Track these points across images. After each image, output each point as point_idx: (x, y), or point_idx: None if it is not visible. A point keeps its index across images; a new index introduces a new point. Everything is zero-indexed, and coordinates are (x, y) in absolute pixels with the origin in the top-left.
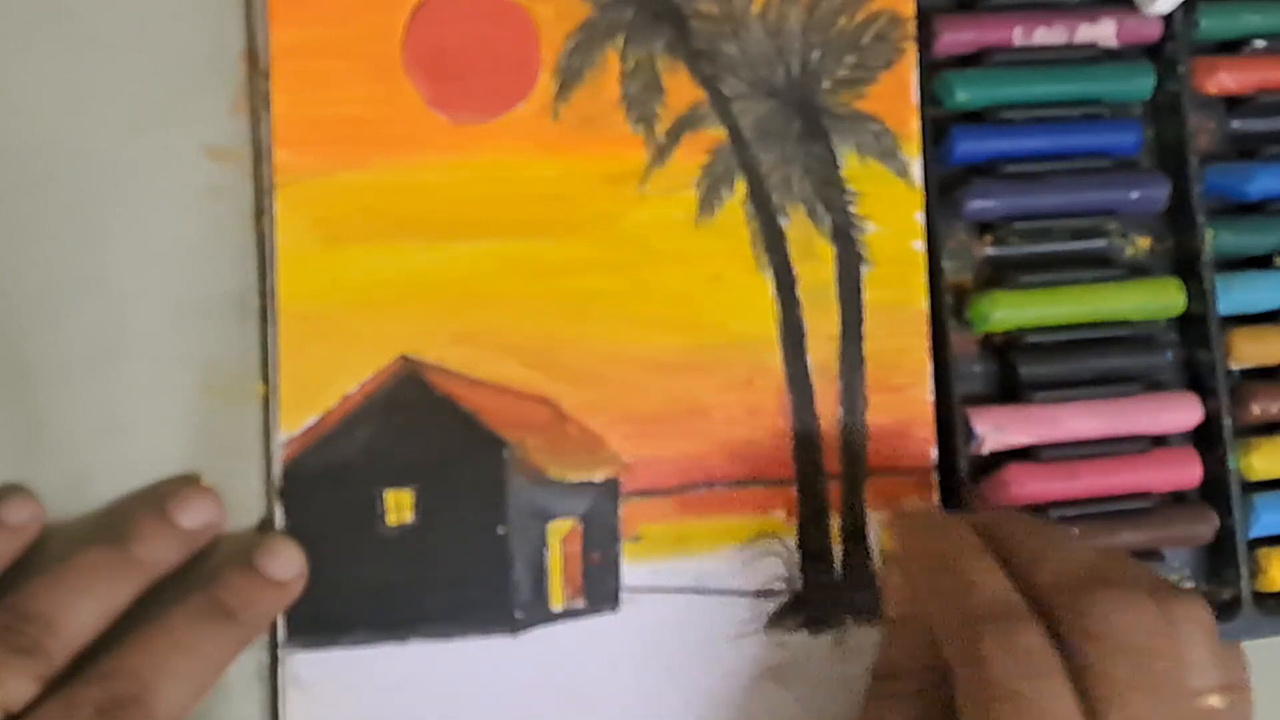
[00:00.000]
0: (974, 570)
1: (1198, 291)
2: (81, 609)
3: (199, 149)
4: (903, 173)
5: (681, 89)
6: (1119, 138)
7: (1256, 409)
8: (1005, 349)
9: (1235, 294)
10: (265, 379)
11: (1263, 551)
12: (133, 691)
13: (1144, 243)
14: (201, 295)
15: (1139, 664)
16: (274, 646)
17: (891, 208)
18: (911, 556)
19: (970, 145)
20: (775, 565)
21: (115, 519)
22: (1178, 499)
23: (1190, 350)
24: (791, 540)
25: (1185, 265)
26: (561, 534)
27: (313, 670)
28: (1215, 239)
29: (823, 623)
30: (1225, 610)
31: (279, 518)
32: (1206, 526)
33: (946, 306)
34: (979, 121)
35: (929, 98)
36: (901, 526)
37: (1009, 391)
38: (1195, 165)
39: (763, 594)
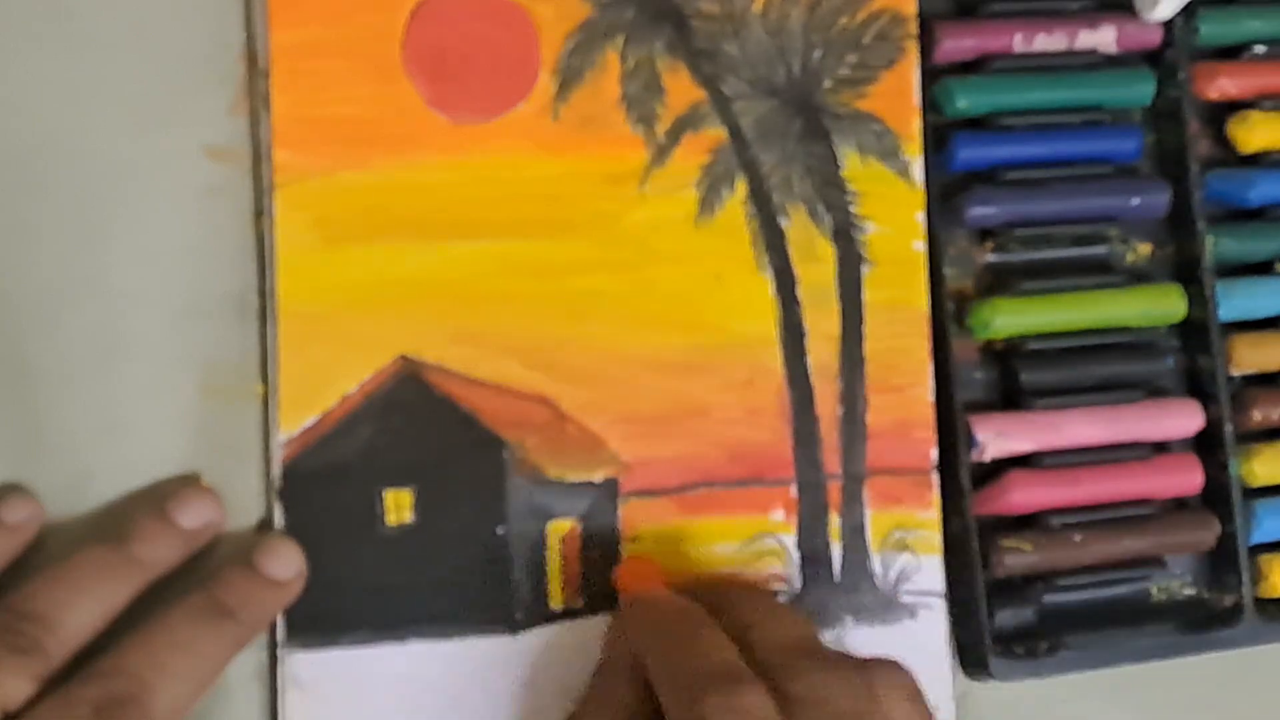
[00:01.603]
0: (700, 636)
1: (1199, 298)
2: (80, 608)
3: (199, 149)
4: (904, 173)
5: (682, 89)
6: (1120, 144)
7: (1258, 415)
8: (1006, 355)
9: (1236, 300)
10: (265, 379)
11: (1264, 558)
12: (131, 691)
13: (1145, 249)
14: (201, 295)
15: None
16: (273, 646)
17: (892, 208)
18: (641, 618)
19: (971, 152)
20: (775, 565)
21: (115, 519)
22: (1179, 505)
23: (1191, 357)
24: (791, 540)
25: (1186, 271)
26: (561, 534)
27: (312, 670)
28: (1216, 245)
29: (822, 623)
30: (1227, 617)
31: (278, 518)
32: (1208, 533)
33: (948, 313)
34: (980, 128)
35: (930, 104)
36: (634, 600)
37: (1010, 398)
38: (1196, 171)
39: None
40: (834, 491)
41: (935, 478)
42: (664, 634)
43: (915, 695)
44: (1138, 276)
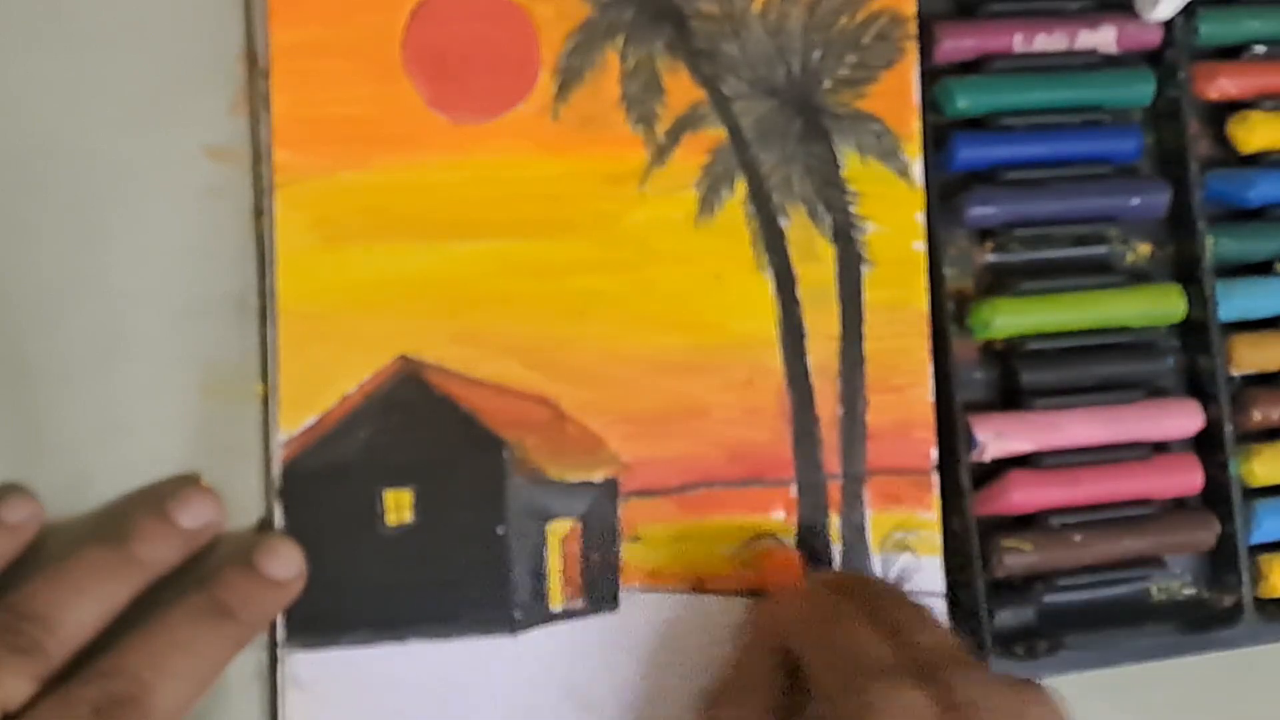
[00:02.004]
0: (860, 635)
1: (1199, 298)
2: (80, 608)
3: (199, 149)
4: (903, 173)
5: (681, 89)
6: (1119, 144)
7: (1258, 415)
8: (1006, 356)
9: (1236, 300)
10: (265, 379)
11: (1264, 557)
12: (131, 691)
13: (1145, 249)
14: (201, 295)
15: None
16: (273, 646)
17: (892, 208)
18: (797, 609)
19: (971, 152)
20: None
21: (115, 519)
22: (1179, 505)
23: (1191, 356)
24: (791, 540)
25: (1186, 271)
26: (561, 534)
27: (312, 670)
28: (1216, 245)
29: None
30: (1227, 617)
31: (278, 517)
32: (1208, 533)
33: (948, 313)
34: (980, 128)
35: (930, 104)
36: (789, 591)
37: (1010, 398)
38: (1196, 171)
39: (762, 594)
40: (834, 492)
41: (935, 478)
42: (823, 626)
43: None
44: (1138, 276)
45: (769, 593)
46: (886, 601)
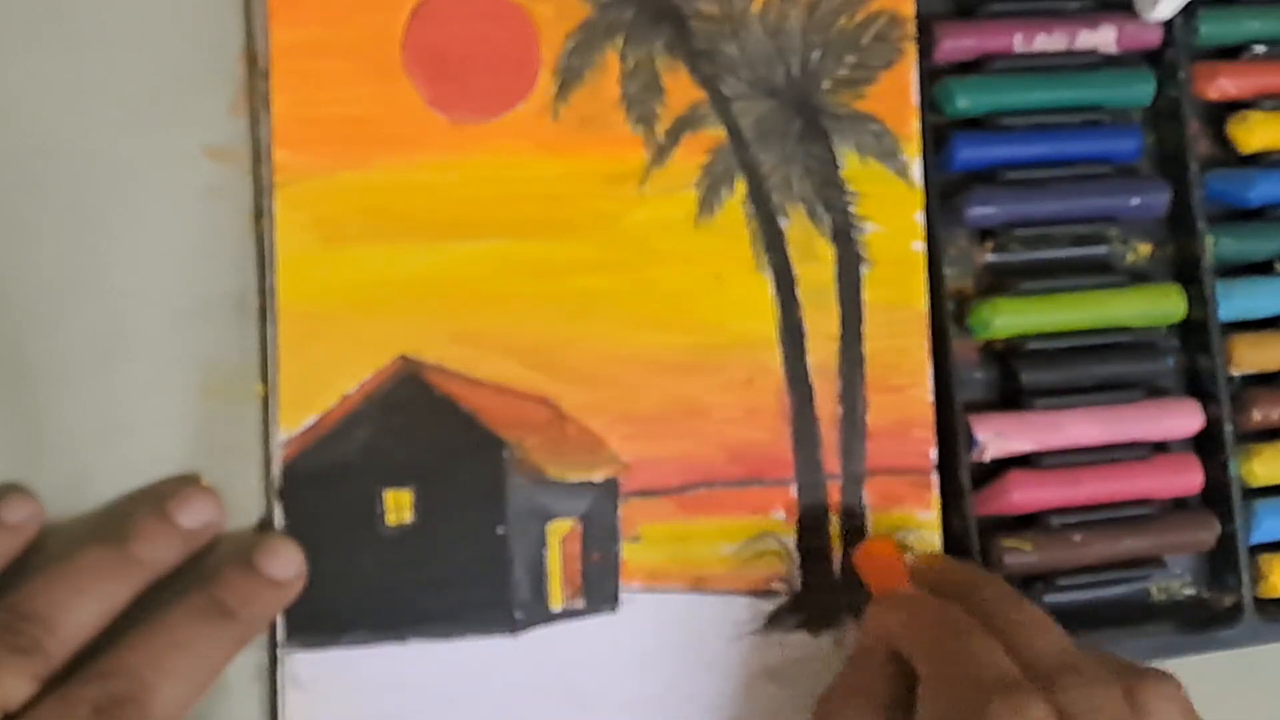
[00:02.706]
0: (977, 645)
1: (1199, 298)
2: (80, 608)
3: (198, 149)
4: (903, 173)
5: (681, 89)
6: (1119, 144)
7: (1257, 415)
8: (1006, 355)
9: (1236, 300)
10: (265, 379)
11: (1264, 557)
12: (131, 690)
13: (1145, 249)
14: (201, 295)
15: None
16: (273, 646)
17: (891, 208)
18: (909, 617)
19: (971, 152)
20: (774, 565)
21: (115, 519)
22: (1179, 505)
23: (1191, 356)
24: (791, 540)
25: (1186, 271)
26: (561, 534)
27: (312, 670)
28: (1216, 245)
29: (822, 623)
30: (1227, 616)
31: (278, 517)
32: (1208, 533)
33: (948, 313)
34: (980, 128)
35: (930, 104)
36: (899, 597)
37: (1010, 398)
38: (1196, 171)
39: (762, 594)
40: (834, 491)
41: (935, 478)
42: (939, 636)
43: (1187, 709)
44: (1138, 276)
45: (875, 594)
46: (996, 603)
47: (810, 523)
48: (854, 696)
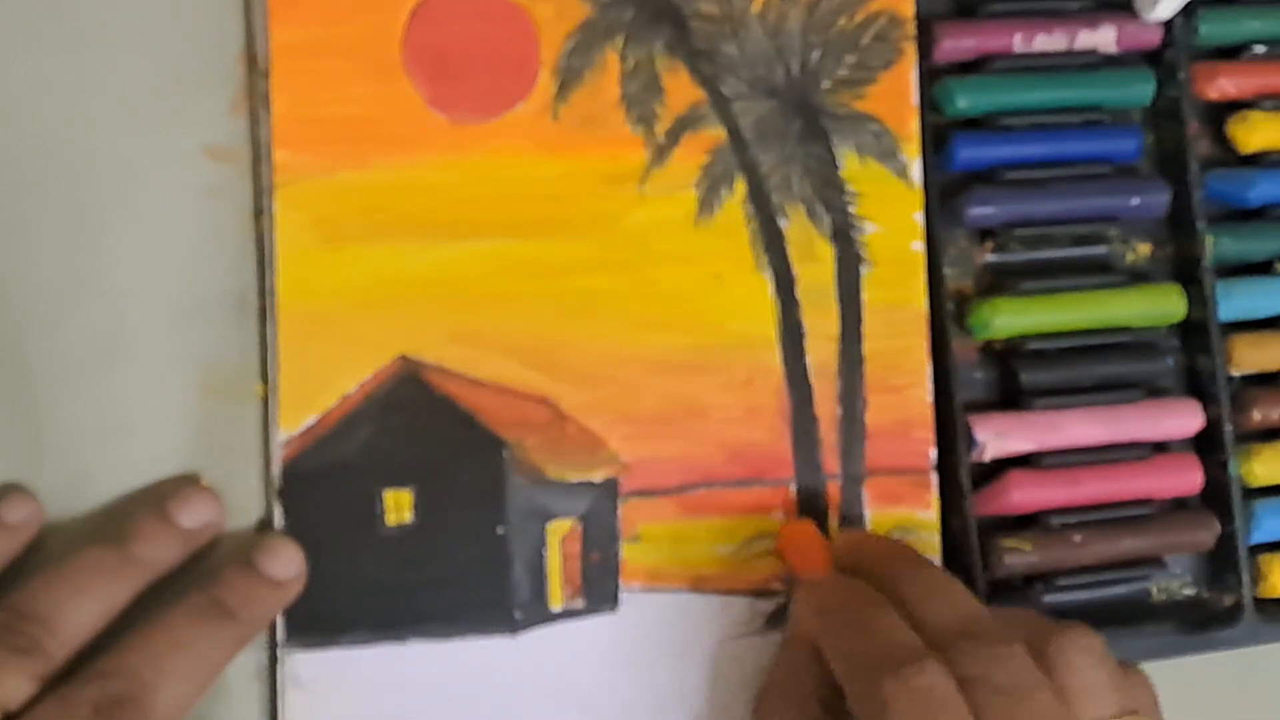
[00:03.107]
0: (873, 616)
1: (1198, 298)
2: (80, 608)
3: (198, 149)
4: (902, 173)
5: (681, 89)
6: (1119, 144)
7: (1257, 415)
8: (1006, 356)
9: (1236, 300)
10: (264, 379)
11: (1264, 557)
12: (131, 691)
13: (1145, 249)
14: (201, 295)
15: (1018, 703)
16: (273, 646)
17: (891, 208)
18: (812, 601)
19: (971, 152)
20: (774, 565)
21: (115, 519)
22: (1179, 505)
23: (1191, 356)
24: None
25: (1186, 271)
26: (561, 534)
27: (312, 670)
28: (1216, 245)
29: None
30: (1227, 617)
31: (278, 518)
32: (1208, 533)
33: (948, 313)
34: (980, 128)
35: (930, 104)
36: (804, 585)
37: (1010, 398)
38: (1196, 171)
39: (761, 594)
40: (833, 491)
41: (934, 478)
42: (837, 616)
43: (1105, 660)
44: (1138, 276)
45: (798, 582)
46: (900, 573)
47: None
48: (784, 691)
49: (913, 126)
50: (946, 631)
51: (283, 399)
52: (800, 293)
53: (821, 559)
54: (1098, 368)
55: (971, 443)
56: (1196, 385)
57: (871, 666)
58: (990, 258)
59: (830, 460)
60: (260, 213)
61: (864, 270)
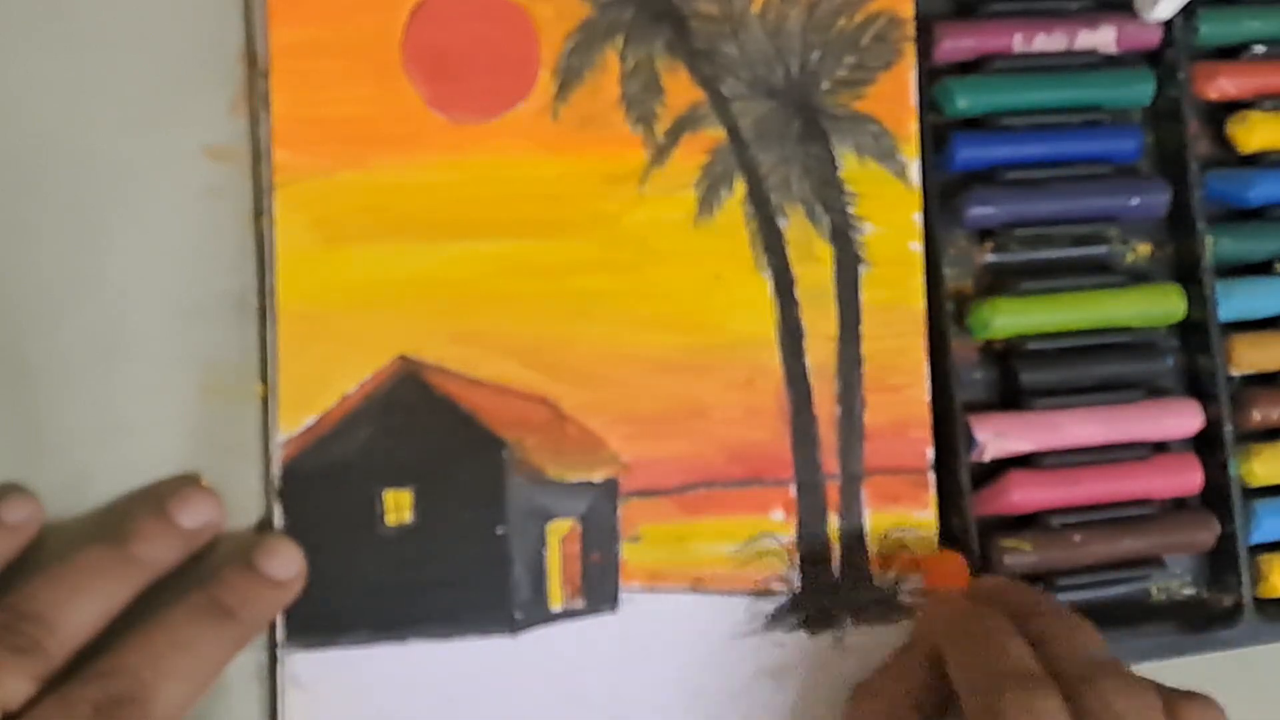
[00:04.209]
0: (1004, 641)
1: (1198, 298)
2: (80, 608)
3: (198, 149)
4: (901, 174)
5: (681, 89)
6: (1119, 144)
7: (1257, 415)
8: (1006, 356)
9: (1236, 300)
10: (264, 379)
11: (1264, 557)
12: (131, 690)
13: (1144, 249)
14: (201, 295)
15: None
16: (273, 646)
17: (890, 208)
18: (945, 614)
19: (971, 152)
20: (774, 565)
21: (115, 519)
22: (1179, 505)
23: (1191, 356)
24: (790, 540)
25: (1186, 271)
26: (561, 534)
27: (312, 670)
28: (1216, 245)
29: (821, 623)
30: (1227, 617)
31: (278, 518)
32: (1208, 533)
33: (947, 313)
34: (979, 128)
35: (929, 104)
36: (940, 597)
37: (1010, 398)
38: (1196, 171)
39: (761, 594)
40: (832, 491)
41: (932, 477)
42: (968, 632)
43: None
44: (1138, 276)
45: (931, 598)
46: (1036, 610)
47: (809, 522)
48: (889, 684)
49: (912, 127)
50: (1079, 662)
51: (282, 399)
52: (799, 293)
53: (959, 586)
54: (1098, 368)
55: (971, 443)
56: (1196, 385)
57: (994, 680)
58: (990, 258)
59: (829, 460)
60: (260, 213)
61: (863, 270)
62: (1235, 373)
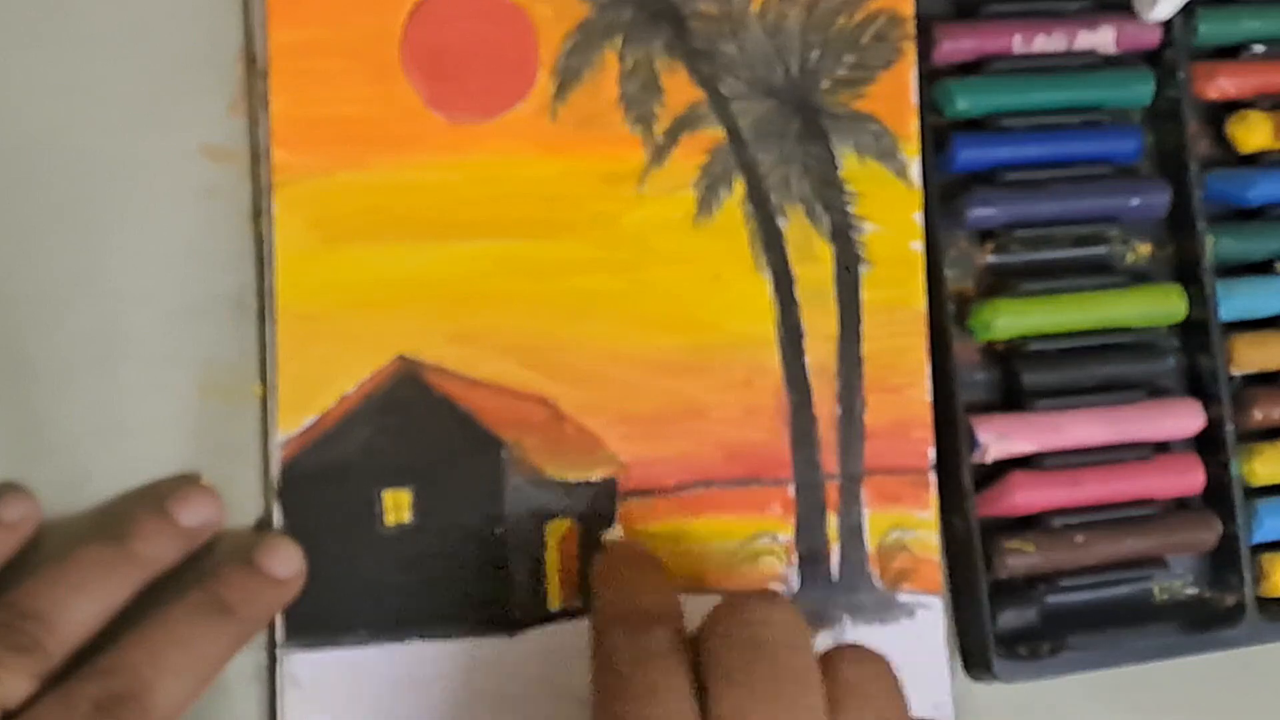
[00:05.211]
0: (641, 577)
1: (1199, 298)
2: (80, 606)
3: (197, 149)
4: (901, 173)
5: (680, 89)
6: (1119, 144)
7: (1259, 414)
8: (1007, 357)
9: (1236, 300)
10: (263, 379)
11: (1266, 557)
12: (131, 688)
13: (1145, 249)
14: (199, 295)
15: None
16: (272, 646)
17: (890, 208)
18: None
19: (971, 153)
20: (772, 565)
21: (114, 518)
22: (1181, 505)
23: (1192, 356)
24: (789, 540)
25: (1186, 271)
26: (559, 534)
27: (311, 670)
28: (1216, 245)
29: (820, 622)
30: (1229, 616)
31: (277, 518)
32: (1210, 533)
33: (948, 314)
34: (980, 129)
35: (930, 106)
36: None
37: (1012, 399)
38: (1196, 171)
39: None
40: (832, 491)
41: (932, 477)
42: (610, 576)
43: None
44: (1138, 276)
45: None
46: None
47: (808, 522)
48: None
49: (912, 126)
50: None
51: (281, 399)
52: (799, 293)
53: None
54: (1099, 368)
55: (973, 444)
56: (1197, 385)
57: (612, 621)
58: (991, 259)
59: (829, 460)
60: (259, 213)
61: (863, 270)
62: (1236, 372)
